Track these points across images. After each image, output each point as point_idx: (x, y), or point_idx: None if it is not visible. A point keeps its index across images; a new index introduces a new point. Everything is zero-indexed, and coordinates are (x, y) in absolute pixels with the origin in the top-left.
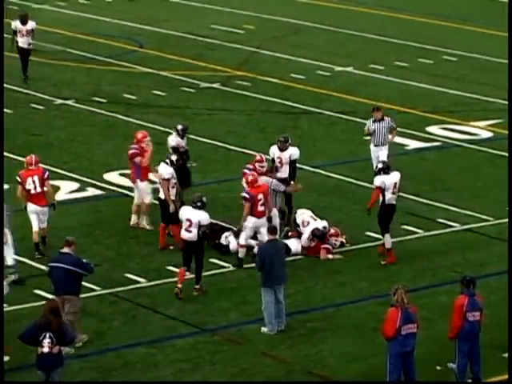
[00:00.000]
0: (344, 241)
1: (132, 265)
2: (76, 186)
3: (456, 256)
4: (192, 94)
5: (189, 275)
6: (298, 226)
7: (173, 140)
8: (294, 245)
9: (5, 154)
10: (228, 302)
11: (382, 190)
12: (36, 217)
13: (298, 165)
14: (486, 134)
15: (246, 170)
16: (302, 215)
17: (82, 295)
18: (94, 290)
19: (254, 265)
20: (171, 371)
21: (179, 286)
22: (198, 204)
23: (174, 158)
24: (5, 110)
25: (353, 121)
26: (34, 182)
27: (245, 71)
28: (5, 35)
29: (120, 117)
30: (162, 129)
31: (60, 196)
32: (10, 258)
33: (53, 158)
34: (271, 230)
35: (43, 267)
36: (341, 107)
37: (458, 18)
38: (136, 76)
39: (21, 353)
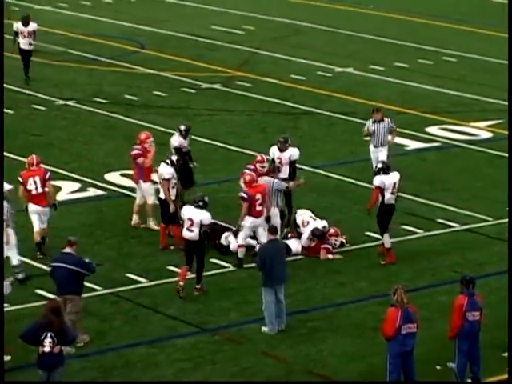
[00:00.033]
0: (344, 241)
1: (133, 265)
2: (77, 186)
3: (455, 256)
4: (193, 94)
5: (190, 275)
6: (297, 226)
7: (176, 140)
8: (294, 245)
9: (6, 154)
10: (228, 301)
11: (381, 189)
12: (37, 217)
13: (298, 165)
14: (486, 135)
15: (247, 171)
16: (302, 216)
17: (84, 295)
18: (95, 290)
19: (254, 265)
20: (172, 371)
21: (181, 283)
22: (200, 203)
23: (174, 158)
24: (6, 110)
25: (353, 121)
26: (35, 182)
27: (245, 72)
28: (6, 36)
29: (121, 117)
30: (162, 129)
31: (61, 196)
32: (15, 258)
33: (54, 158)
34: (271, 229)
35: (44, 267)
36: (341, 108)
37: (457, 19)
38: (137, 77)
39: (22, 352)
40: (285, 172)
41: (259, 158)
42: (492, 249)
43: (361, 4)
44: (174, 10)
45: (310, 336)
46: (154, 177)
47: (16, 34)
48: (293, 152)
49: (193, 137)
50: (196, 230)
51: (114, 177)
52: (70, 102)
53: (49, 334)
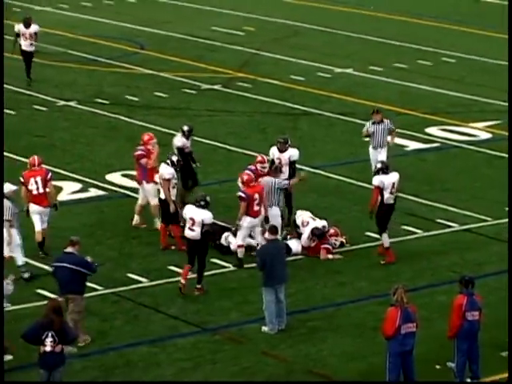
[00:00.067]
0: (344, 241)
1: (134, 265)
2: (78, 186)
3: (455, 256)
4: (193, 95)
5: (190, 275)
6: (297, 227)
7: (179, 141)
8: (295, 245)
9: (8, 155)
10: (229, 301)
11: (380, 189)
12: (39, 217)
13: (298, 165)
14: (485, 135)
15: (251, 173)
16: (302, 216)
17: (85, 295)
18: (96, 290)
19: (254, 265)
20: (173, 370)
21: (183, 282)
22: (202, 203)
23: (174, 158)
24: (8, 111)
25: (352, 122)
26: (36, 182)
27: (245, 73)
28: (6, 37)
29: (122, 118)
30: (163, 130)
31: (62, 197)
32: (20, 258)
33: (56, 158)
34: (272, 229)
35: (46, 267)
36: (340, 108)
37: (456, 21)
38: (137, 77)
39: (24, 352)
40: (284, 172)
41: (260, 158)
42: (491, 249)
43: (360, 5)
44: (174, 11)
45: (310, 336)
46: (157, 178)
47: (17, 35)
48: (292, 152)
49: (193, 137)
50: (198, 229)
51: (115, 177)
52: (71, 103)
53: (50, 334)
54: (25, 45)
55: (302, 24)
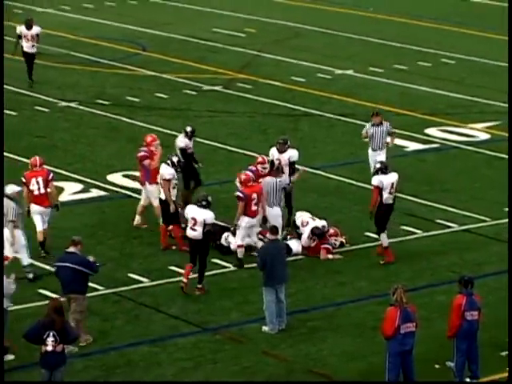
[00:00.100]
0: (344, 241)
1: (135, 265)
2: (80, 187)
3: (454, 256)
4: (194, 96)
5: (191, 275)
6: (297, 227)
7: (181, 141)
8: (295, 245)
9: (10, 155)
10: (230, 301)
11: (379, 189)
12: (40, 217)
13: (298, 166)
14: (484, 136)
15: (249, 173)
16: (301, 217)
17: (86, 295)
18: (97, 290)
19: (255, 265)
20: (173, 370)
21: (185, 281)
22: (203, 203)
23: (175, 159)
24: (10, 112)
25: (353, 123)
26: (37, 182)
27: (246, 74)
28: (8, 38)
29: (123, 119)
30: (164, 131)
31: (64, 197)
32: (25, 258)
33: (57, 159)
34: (272, 229)
35: (48, 267)
36: (341, 109)
37: (456, 22)
38: (139, 79)
39: (26, 351)
40: (285, 173)
41: (260, 159)
42: (490, 249)
43: (361, 7)
44: (176, 12)
45: (310, 335)
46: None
47: (19, 37)
48: (292, 153)
49: (195, 138)
50: (199, 229)
51: (116, 178)
52: (72, 104)
53: (51, 333)
54: (26, 46)
55: (302, 26)
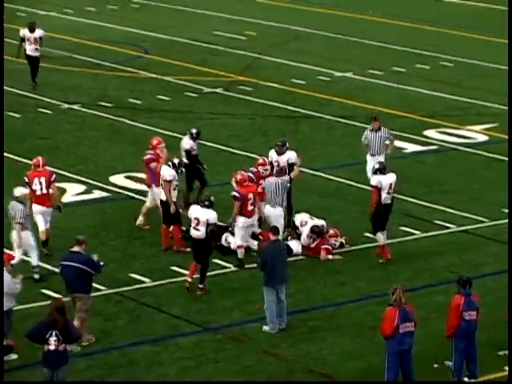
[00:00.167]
0: (343, 242)
1: (137, 265)
2: (82, 188)
3: (452, 256)
4: (195, 98)
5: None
6: (296, 228)
7: (187, 143)
8: (295, 246)
9: (14, 157)
10: (231, 301)
11: (378, 189)
12: (42, 217)
13: (299, 168)
14: (482, 138)
15: (251, 174)
16: (300, 217)
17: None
18: (99, 290)
19: (255, 265)
20: (175, 369)
21: (189, 280)
22: (206, 203)
23: (176, 160)
24: (13, 114)
25: (352, 125)
26: (40, 183)
27: (247, 76)
28: (11, 41)
29: (125, 121)
30: (166, 133)
31: (66, 198)
32: (34, 258)
33: (60, 161)
34: (273, 230)
35: (50, 267)
36: (341, 111)
37: (454, 25)
38: (141, 81)
39: (28, 351)
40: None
41: (261, 160)
42: (488, 249)
43: (360, 10)
44: (177, 16)
45: (310, 335)
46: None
47: (22, 40)
48: (290, 155)
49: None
50: (202, 229)
51: (118, 179)
52: (75, 106)
53: (54, 333)
54: (29, 49)
55: (302, 29)
